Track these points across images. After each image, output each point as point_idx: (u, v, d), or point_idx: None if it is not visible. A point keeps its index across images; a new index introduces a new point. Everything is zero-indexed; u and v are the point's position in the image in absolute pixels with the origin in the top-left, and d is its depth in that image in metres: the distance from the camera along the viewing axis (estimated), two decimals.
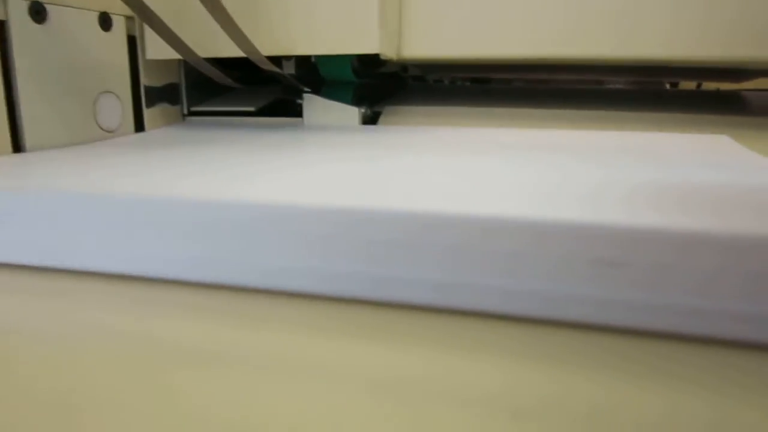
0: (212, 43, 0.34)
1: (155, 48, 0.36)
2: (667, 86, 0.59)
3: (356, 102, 0.38)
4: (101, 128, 0.34)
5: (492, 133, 0.32)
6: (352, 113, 0.38)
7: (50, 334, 0.15)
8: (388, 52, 0.34)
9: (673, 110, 0.39)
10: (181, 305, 0.16)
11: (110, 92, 0.35)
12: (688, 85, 0.58)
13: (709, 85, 0.56)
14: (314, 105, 0.38)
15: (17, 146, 0.29)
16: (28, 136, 0.29)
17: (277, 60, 0.36)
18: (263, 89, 0.44)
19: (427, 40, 0.35)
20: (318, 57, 0.37)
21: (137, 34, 0.37)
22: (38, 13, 0.30)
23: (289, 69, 0.38)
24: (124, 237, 0.18)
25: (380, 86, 0.45)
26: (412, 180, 0.20)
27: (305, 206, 0.16)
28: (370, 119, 0.39)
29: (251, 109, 0.41)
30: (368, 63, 0.38)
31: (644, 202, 0.16)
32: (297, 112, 0.39)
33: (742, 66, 0.36)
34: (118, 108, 0.36)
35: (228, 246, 0.17)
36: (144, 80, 0.37)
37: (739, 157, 0.27)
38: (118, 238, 0.18)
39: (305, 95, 0.38)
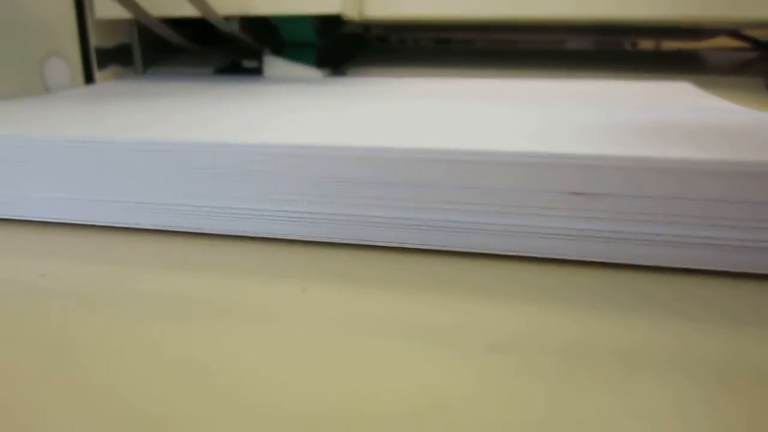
0: (166, 2, 0.32)
1: (105, 6, 0.34)
2: (628, 47, 0.60)
3: (319, 64, 0.37)
4: (48, 90, 0.32)
5: (456, 82, 0.32)
6: (315, 75, 0.37)
7: None
8: (350, 13, 0.33)
9: (632, 68, 0.40)
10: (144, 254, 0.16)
11: (58, 54, 0.33)
12: (648, 45, 0.59)
13: (670, 45, 0.57)
14: (275, 66, 0.37)
15: None
16: None
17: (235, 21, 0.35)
18: (221, 50, 0.43)
19: (388, 1, 0.35)
20: (279, 18, 0.35)
21: None
22: None
23: (247, 30, 0.37)
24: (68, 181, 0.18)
25: (343, 47, 0.44)
26: (391, 121, 0.20)
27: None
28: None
29: (208, 70, 0.40)
30: (330, 23, 0.37)
31: (619, 137, 0.17)
32: (257, 74, 0.38)
33: (697, 25, 0.36)
34: (66, 70, 0.34)
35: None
36: (94, 40, 0.36)
37: (703, 99, 0.27)
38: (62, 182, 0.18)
39: (265, 57, 0.37)
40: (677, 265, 0.15)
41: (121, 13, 0.33)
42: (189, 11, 0.32)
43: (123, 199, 0.18)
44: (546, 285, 0.15)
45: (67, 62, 0.34)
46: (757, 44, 0.48)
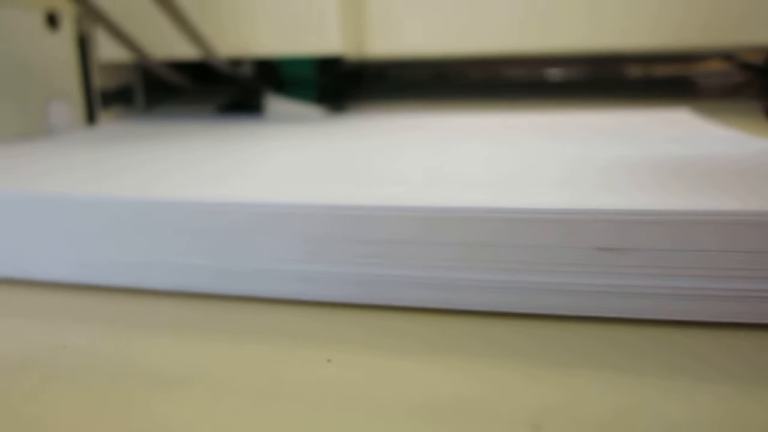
0: (168, 45, 0.33)
1: (108, 49, 0.34)
2: (621, 74, 0.61)
3: (319, 101, 0.38)
4: (50, 131, 0.32)
5: (456, 119, 0.32)
6: (316, 112, 0.37)
7: None
8: (350, 52, 0.33)
9: (628, 96, 0.40)
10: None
11: (60, 95, 0.33)
12: (638, 71, 0.59)
13: (661, 71, 0.58)
14: (276, 105, 0.37)
15: None
16: None
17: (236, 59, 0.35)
18: (223, 89, 0.43)
19: (388, 39, 0.35)
20: (279, 58, 0.36)
21: (88, 34, 0.35)
22: None
23: (248, 69, 0.38)
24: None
25: (342, 84, 0.44)
26: (400, 169, 0.20)
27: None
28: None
29: (210, 110, 0.40)
30: (330, 61, 0.37)
31: (626, 182, 0.17)
32: (258, 112, 0.38)
33: (693, 51, 0.37)
34: (68, 111, 0.34)
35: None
36: (97, 82, 0.36)
37: (706, 129, 0.27)
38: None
39: (267, 97, 0.38)
40: (716, 320, 0.14)
41: (124, 55, 0.33)
42: (190, 53, 0.32)
43: (133, 258, 0.17)
44: (583, 346, 0.14)
45: (70, 103, 0.34)
46: (749, 67, 0.48)
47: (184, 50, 0.32)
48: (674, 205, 0.14)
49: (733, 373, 0.12)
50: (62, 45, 0.33)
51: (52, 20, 0.33)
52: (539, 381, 0.12)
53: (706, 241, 0.14)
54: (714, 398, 0.12)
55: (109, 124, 0.36)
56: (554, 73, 0.53)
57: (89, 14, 0.30)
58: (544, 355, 0.13)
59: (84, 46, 0.35)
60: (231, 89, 0.42)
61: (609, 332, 0.14)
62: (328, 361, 0.13)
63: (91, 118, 0.36)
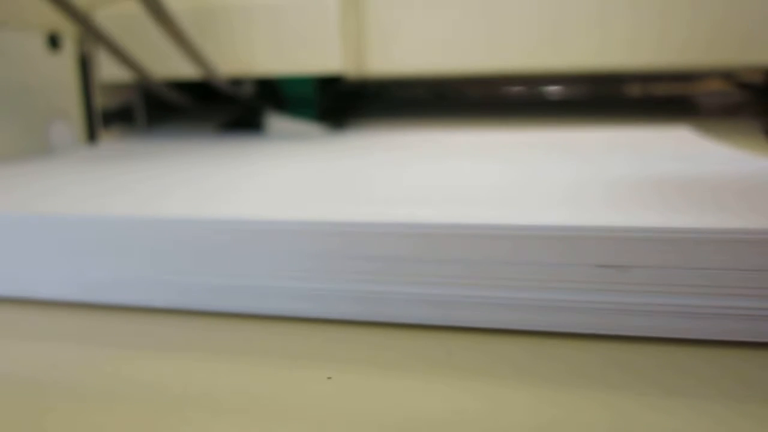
0: (168, 65, 0.33)
1: (109, 69, 0.35)
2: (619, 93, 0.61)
3: (319, 119, 0.38)
4: (52, 150, 0.32)
5: (456, 136, 0.32)
6: (316, 131, 0.37)
7: None
8: (350, 70, 0.33)
9: (628, 115, 0.40)
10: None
11: (61, 115, 0.33)
12: (638, 89, 0.60)
13: (660, 89, 0.58)
14: (276, 123, 0.38)
15: None
16: None
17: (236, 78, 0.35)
18: (224, 107, 0.43)
19: (388, 58, 0.35)
20: (280, 77, 0.36)
21: (90, 54, 0.35)
22: None
23: (248, 87, 0.38)
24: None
25: (342, 102, 0.45)
26: (403, 186, 0.20)
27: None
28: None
29: (210, 128, 0.40)
30: (330, 80, 0.37)
31: (628, 199, 0.17)
32: (258, 130, 0.38)
33: (693, 72, 0.37)
34: (69, 130, 0.34)
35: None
36: (98, 102, 0.36)
37: (706, 147, 0.27)
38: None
39: (267, 115, 0.38)
40: (717, 338, 0.14)
41: (125, 75, 0.33)
42: (191, 73, 0.32)
43: (131, 276, 0.17)
44: (584, 363, 0.14)
45: (71, 123, 0.34)
46: (748, 87, 0.49)
47: (184, 70, 0.32)
48: (676, 222, 0.14)
49: (732, 393, 0.12)
50: (64, 65, 0.34)
51: (53, 41, 0.33)
52: (540, 399, 0.12)
53: (707, 260, 0.14)
54: (713, 418, 0.11)
55: (110, 143, 0.36)
56: (555, 91, 0.54)
57: (90, 35, 0.30)
58: (545, 373, 0.13)
59: (85, 66, 0.35)
60: (232, 108, 0.42)
61: (610, 350, 0.14)
62: (329, 378, 0.13)
63: (92, 137, 0.36)
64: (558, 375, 0.13)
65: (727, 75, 0.48)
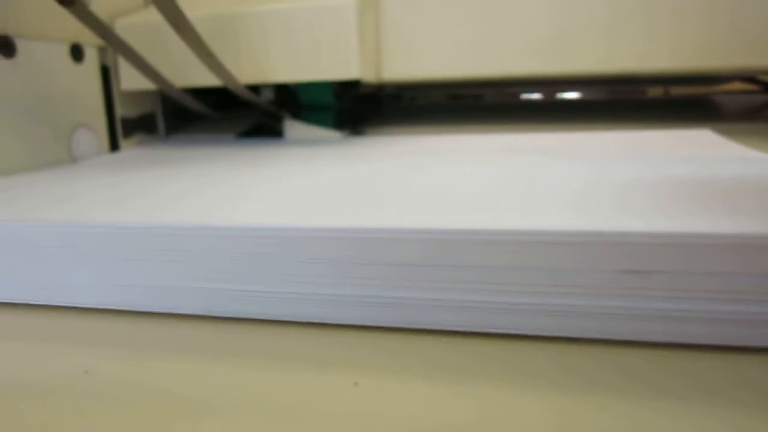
0: (188, 73, 0.33)
1: (130, 78, 0.35)
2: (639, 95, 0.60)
3: (337, 125, 0.38)
4: (75, 159, 0.33)
5: (473, 139, 0.32)
6: (335, 136, 0.37)
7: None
8: (368, 77, 0.33)
9: (648, 117, 0.40)
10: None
11: (85, 125, 0.34)
12: (658, 92, 0.59)
13: (680, 91, 0.57)
14: (295, 131, 0.38)
15: None
16: None
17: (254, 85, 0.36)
18: (242, 115, 0.44)
19: (405, 63, 0.35)
20: (298, 83, 0.36)
21: (111, 64, 0.36)
22: (6, 47, 0.29)
23: (267, 93, 0.38)
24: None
25: (360, 108, 0.45)
26: (427, 193, 0.20)
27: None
28: None
29: (230, 135, 0.41)
30: (348, 85, 0.37)
31: (647, 203, 0.16)
32: (278, 137, 0.39)
33: (711, 74, 0.36)
34: (93, 140, 0.35)
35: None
36: (119, 111, 0.37)
37: (728, 148, 0.27)
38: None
39: (286, 121, 0.38)
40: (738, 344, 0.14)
41: (146, 84, 0.34)
42: (210, 81, 0.33)
43: (163, 283, 0.17)
44: (600, 369, 0.14)
45: (94, 132, 0.35)
46: None
47: (204, 78, 0.33)
48: (694, 227, 0.14)
49: (751, 400, 0.12)
50: (87, 76, 0.34)
51: (76, 52, 0.33)
52: (562, 406, 0.12)
53: (725, 264, 0.13)
54: (731, 426, 0.11)
55: (132, 151, 0.36)
56: (572, 94, 0.53)
57: (112, 46, 0.30)
58: (568, 380, 0.13)
59: (107, 75, 0.36)
60: (251, 114, 0.43)
61: (625, 356, 0.14)
62: (356, 384, 0.13)
63: (114, 145, 0.36)
64: (579, 382, 0.13)
65: (749, 77, 0.47)
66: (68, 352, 0.16)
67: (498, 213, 0.16)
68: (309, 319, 0.16)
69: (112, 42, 0.30)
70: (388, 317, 0.16)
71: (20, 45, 0.30)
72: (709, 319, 0.14)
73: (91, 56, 0.34)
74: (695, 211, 0.16)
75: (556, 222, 0.15)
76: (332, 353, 0.15)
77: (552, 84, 0.51)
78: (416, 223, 0.15)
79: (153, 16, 0.31)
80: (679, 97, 0.54)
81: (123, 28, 0.34)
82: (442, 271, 0.15)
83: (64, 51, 0.33)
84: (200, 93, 0.37)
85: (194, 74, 0.33)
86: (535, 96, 0.55)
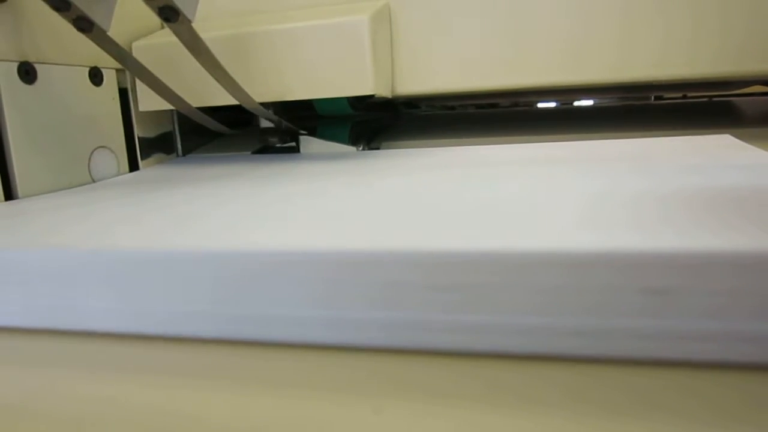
0: (204, 92, 0.34)
1: (147, 99, 0.36)
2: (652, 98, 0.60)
3: (353, 140, 0.38)
4: (95, 180, 0.33)
5: (491, 151, 0.32)
6: (350, 151, 0.37)
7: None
8: (382, 92, 0.33)
9: (665, 123, 0.39)
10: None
11: (105, 147, 0.34)
12: (677, 96, 0.58)
13: (699, 95, 0.56)
14: (311, 146, 0.38)
15: (9, 195, 0.29)
16: (21, 187, 0.29)
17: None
18: (257, 132, 0.44)
19: (419, 77, 0.35)
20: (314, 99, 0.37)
21: (129, 86, 0.36)
22: (27, 74, 0.30)
23: (283, 109, 0.38)
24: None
25: (374, 120, 0.45)
26: (443, 211, 0.19)
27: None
28: None
29: (247, 153, 0.41)
30: (362, 98, 0.38)
31: (680, 217, 0.16)
32: (293, 153, 0.39)
33: (728, 79, 0.36)
34: (113, 161, 0.35)
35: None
36: (138, 132, 0.37)
37: (749, 154, 0.27)
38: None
39: (302, 137, 0.38)
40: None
41: (163, 105, 0.34)
42: (227, 100, 0.33)
43: (176, 309, 0.17)
44: (636, 389, 0.13)
45: (114, 153, 0.35)
46: None
47: (220, 97, 0.33)
48: (713, 245, 0.13)
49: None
50: (106, 98, 0.35)
51: (95, 76, 0.34)
52: (587, 428, 0.12)
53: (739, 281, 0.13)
54: None
55: (150, 170, 0.37)
56: (588, 101, 0.53)
57: (129, 68, 0.31)
58: (595, 399, 0.13)
59: (125, 97, 0.36)
60: (267, 131, 0.43)
61: (664, 376, 0.14)
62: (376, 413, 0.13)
63: (133, 165, 0.37)
64: (611, 402, 0.13)
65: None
66: (92, 379, 0.16)
67: (528, 230, 0.16)
68: (324, 342, 0.16)
69: (129, 65, 0.31)
70: (398, 339, 0.15)
71: (40, 70, 0.30)
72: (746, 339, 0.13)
73: (110, 79, 0.35)
74: (712, 225, 0.15)
75: (570, 239, 0.14)
76: (350, 380, 0.15)
77: (568, 92, 0.51)
78: (445, 244, 0.15)
79: (169, 38, 0.32)
80: (697, 102, 0.53)
81: (140, 50, 0.35)
82: (463, 293, 0.15)
83: (84, 75, 0.33)
84: (216, 110, 0.37)
85: (210, 94, 0.33)
86: (552, 104, 0.54)
